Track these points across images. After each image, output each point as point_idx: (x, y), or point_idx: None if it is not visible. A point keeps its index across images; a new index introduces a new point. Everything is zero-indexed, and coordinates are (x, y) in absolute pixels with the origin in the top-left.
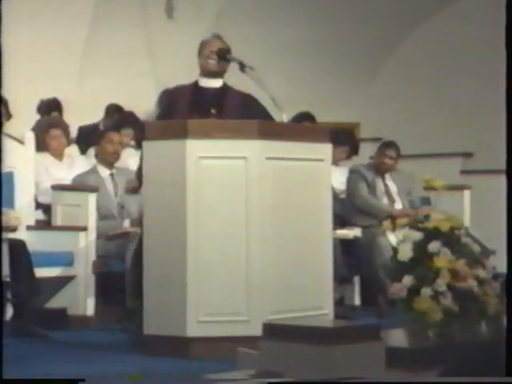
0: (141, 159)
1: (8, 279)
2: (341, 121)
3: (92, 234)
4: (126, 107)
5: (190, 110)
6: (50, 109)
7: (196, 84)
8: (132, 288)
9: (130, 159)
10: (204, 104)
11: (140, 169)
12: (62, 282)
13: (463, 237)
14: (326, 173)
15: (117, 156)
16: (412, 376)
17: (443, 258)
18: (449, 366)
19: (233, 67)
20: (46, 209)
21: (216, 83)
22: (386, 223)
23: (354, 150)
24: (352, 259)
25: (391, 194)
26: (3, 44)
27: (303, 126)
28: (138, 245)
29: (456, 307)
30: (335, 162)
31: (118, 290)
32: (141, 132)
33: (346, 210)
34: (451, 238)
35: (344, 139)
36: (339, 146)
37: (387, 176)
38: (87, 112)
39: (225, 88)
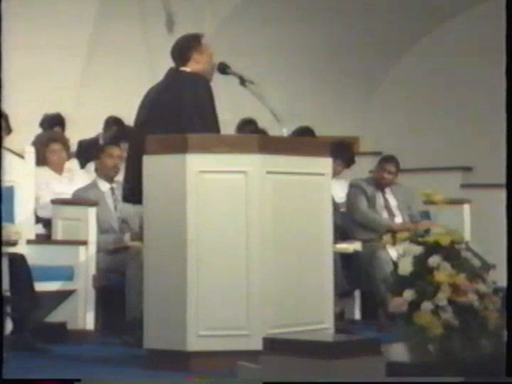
0: None
1: (8, 293)
2: (341, 135)
3: (92, 248)
4: (127, 121)
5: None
6: (53, 124)
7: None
8: (132, 302)
9: None
10: None
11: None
12: (61, 296)
13: (463, 251)
14: (326, 187)
15: (117, 170)
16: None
17: (443, 273)
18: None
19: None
20: (46, 223)
21: None
22: (386, 237)
23: (349, 162)
24: (352, 273)
25: (391, 208)
26: (3, 58)
27: (303, 140)
28: (138, 259)
29: (456, 322)
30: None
31: (118, 304)
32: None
33: (346, 223)
34: (451, 252)
35: (338, 152)
36: (334, 158)
37: (387, 190)
38: (87, 126)
39: None
